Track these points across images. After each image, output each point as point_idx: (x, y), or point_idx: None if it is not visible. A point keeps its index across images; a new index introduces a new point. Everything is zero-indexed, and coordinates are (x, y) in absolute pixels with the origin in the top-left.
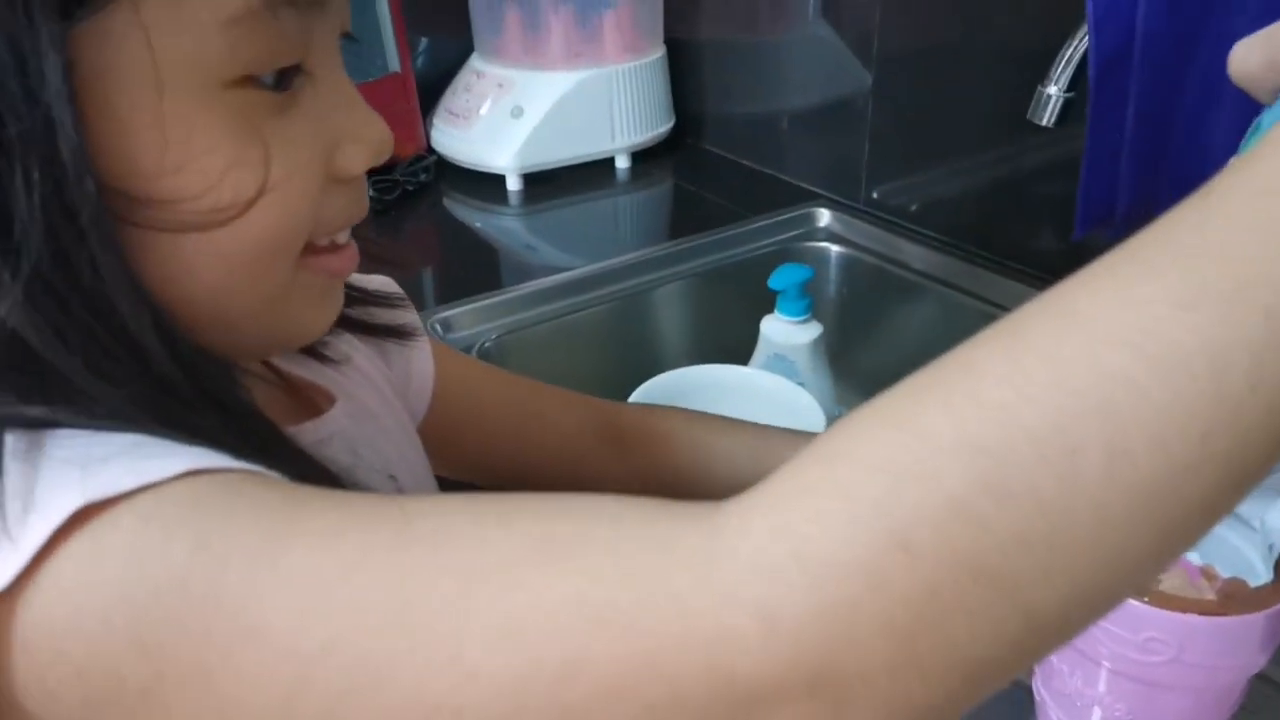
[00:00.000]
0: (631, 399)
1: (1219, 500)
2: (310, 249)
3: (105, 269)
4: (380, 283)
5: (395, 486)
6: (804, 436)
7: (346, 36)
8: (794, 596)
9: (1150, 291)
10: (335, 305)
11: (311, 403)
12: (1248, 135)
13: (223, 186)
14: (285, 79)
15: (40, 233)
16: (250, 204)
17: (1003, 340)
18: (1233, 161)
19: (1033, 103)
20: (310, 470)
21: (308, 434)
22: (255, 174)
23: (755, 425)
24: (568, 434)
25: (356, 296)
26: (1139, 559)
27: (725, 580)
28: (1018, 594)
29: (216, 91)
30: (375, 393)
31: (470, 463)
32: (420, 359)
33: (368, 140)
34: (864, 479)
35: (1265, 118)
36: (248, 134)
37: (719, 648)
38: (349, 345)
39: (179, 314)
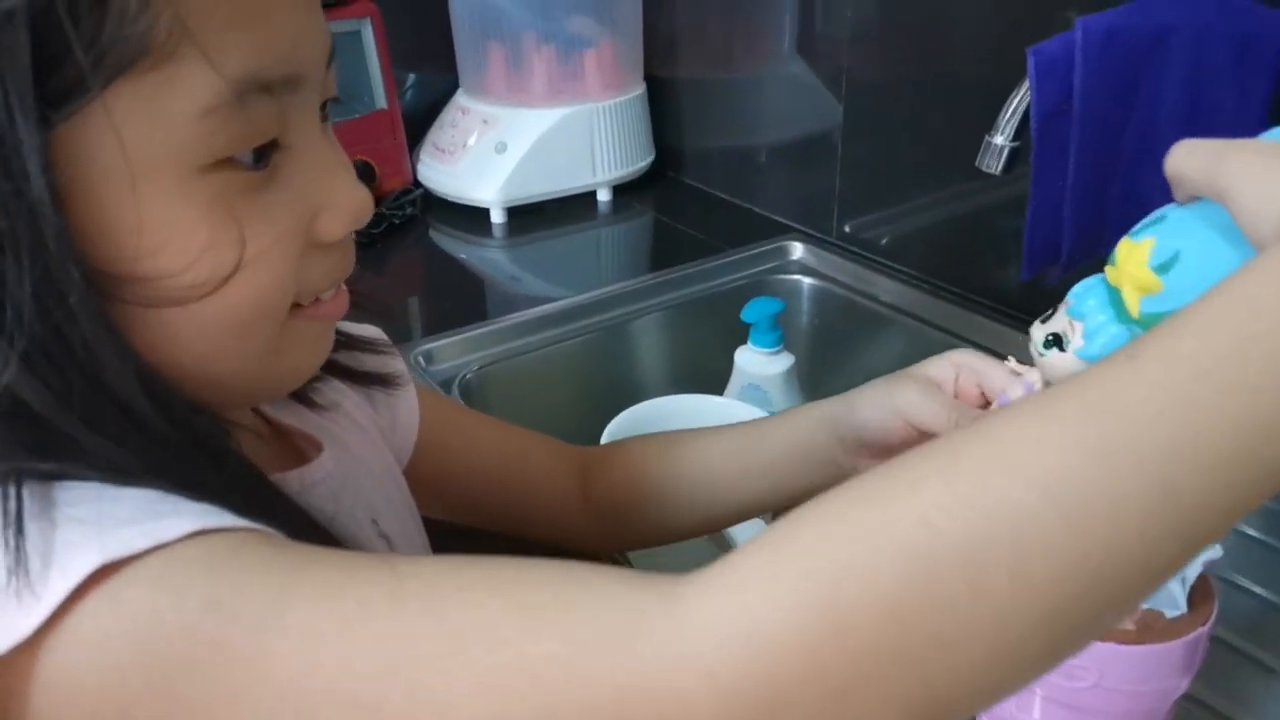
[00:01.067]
0: (609, 428)
1: (1103, 620)
2: (298, 306)
3: (94, 342)
4: (369, 331)
5: (378, 530)
6: (760, 423)
7: (333, 100)
8: (740, 666)
9: (1069, 440)
10: (326, 346)
11: (298, 450)
12: (1149, 222)
13: (199, 265)
14: (263, 156)
15: (33, 311)
16: (227, 279)
17: (940, 461)
18: (1164, 325)
19: (981, 151)
20: (295, 518)
21: (293, 481)
22: (231, 252)
23: (711, 430)
24: (546, 476)
25: (344, 342)
26: (1031, 661)
27: (682, 647)
28: (927, 681)
29: (193, 176)
30: (362, 437)
31: (453, 504)
32: (406, 406)
33: (345, 207)
34: (811, 570)
35: (1171, 212)
36: (223, 215)
37: (671, 704)
38: (337, 392)
39: (169, 376)
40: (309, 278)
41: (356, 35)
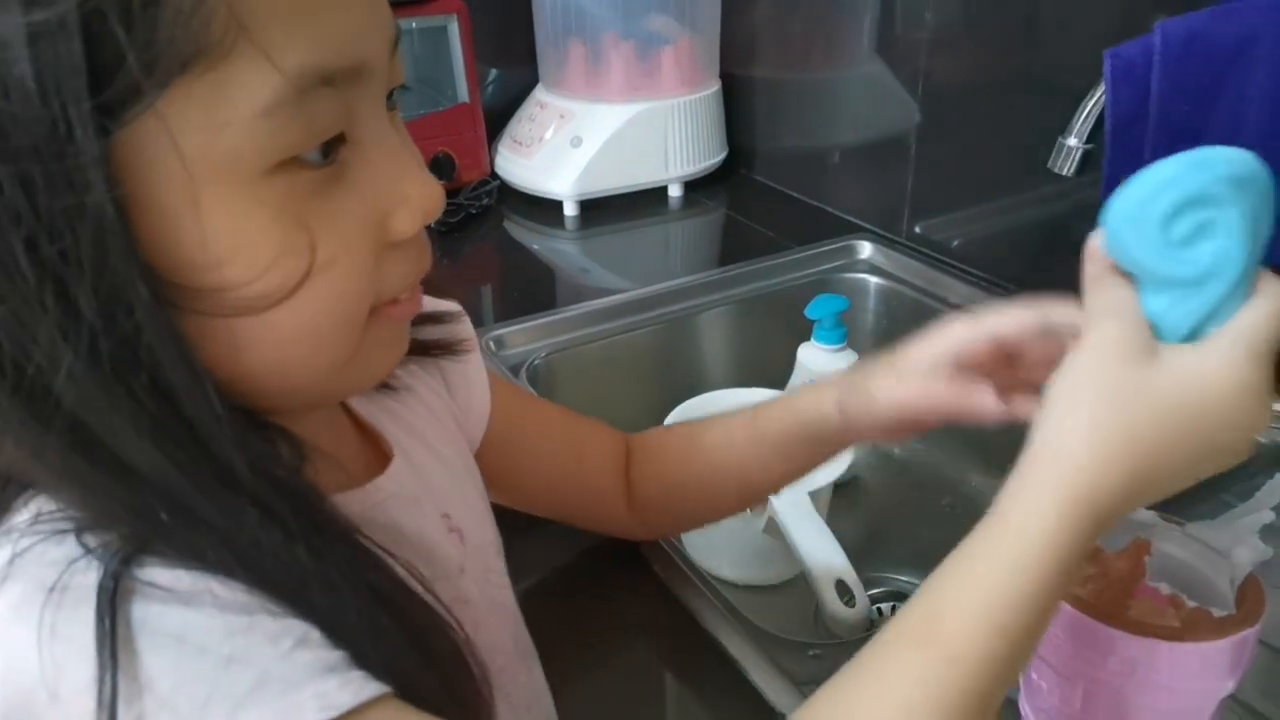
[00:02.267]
0: (668, 419)
1: None
2: (376, 307)
3: (164, 358)
4: (439, 305)
5: (449, 525)
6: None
7: (402, 88)
8: None
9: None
10: (403, 346)
11: (375, 445)
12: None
13: (270, 274)
14: (330, 150)
15: (100, 328)
16: (298, 287)
17: (873, 668)
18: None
19: (1054, 152)
20: (363, 562)
21: (370, 494)
22: (301, 259)
23: (737, 412)
24: (600, 467)
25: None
26: None
27: None
28: None
29: (258, 180)
30: (436, 423)
31: (509, 490)
32: (479, 393)
33: (417, 202)
34: None
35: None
36: (292, 220)
37: None
38: (411, 376)
39: (245, 387)
40: (386, 279)
41: (443, 30)
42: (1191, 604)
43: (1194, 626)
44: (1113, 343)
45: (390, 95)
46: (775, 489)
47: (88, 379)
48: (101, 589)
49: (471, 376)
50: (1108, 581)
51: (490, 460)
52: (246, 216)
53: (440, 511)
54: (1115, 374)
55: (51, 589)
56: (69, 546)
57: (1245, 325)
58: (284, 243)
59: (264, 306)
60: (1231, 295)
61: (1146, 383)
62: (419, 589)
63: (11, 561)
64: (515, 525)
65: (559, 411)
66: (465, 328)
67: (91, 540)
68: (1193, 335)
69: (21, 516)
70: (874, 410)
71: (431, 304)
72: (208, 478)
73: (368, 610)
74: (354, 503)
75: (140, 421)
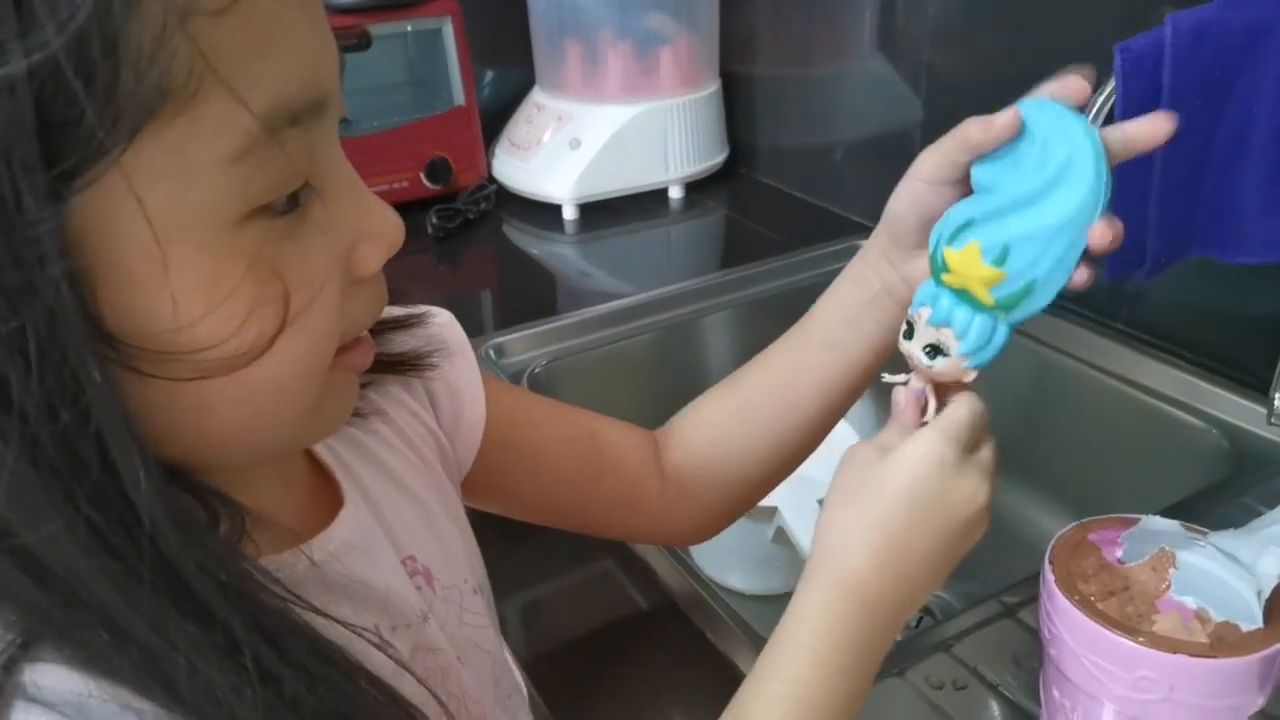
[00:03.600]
0: None
1: None
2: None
3: (113, 448)
4: (401, 309)
5: (413, 568)
6: (802, 325)
7: (344, 121)
8: None
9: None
10: (355, 393)
11: (333, 488)
12: (954, 229)
13: (246, 329)
14: (294, 196)
15: (40, 415)
16: (274, 339)
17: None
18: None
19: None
20: (307, 645)
21: (318, 548)
22: (277, 309)
23: (759, 358)
24: (619, 460)
25: (375, 329)
26: None
27: None
28: None
29: (228, 232)
30: (408, 450)
31: (520, 500)
32: (470, 399)
33: (381, 235)
34: None
35: (962, 212)
36: (266, 269)
37: None
38: (384, 397)
39: (205, 449)
40: (350, 318)
41: (437, 33)
42: (1219, 618)
43: (1222, 642)
44: (850, 455)
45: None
46: (829, 413)
47: (24, 481)
48: None
49: (460, 386)
50: (1132, 595)
51: (493, 469)
52: (220, 271)
53: (402, 554)
54: (851, 476)
55: None
56: None
57: (942, 420)
58: (259, 295)
59: (239, 365)
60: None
61: (872, 476)
62: (382, 687)
63: None
64: (514, 535)
65: (569, 409)
66: (444, 331)
67: None
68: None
69: None
70: (905, 228)
71: (399, 309)
72: (142, 587)
73: None
74: (300, 560)
75: (75, 528)
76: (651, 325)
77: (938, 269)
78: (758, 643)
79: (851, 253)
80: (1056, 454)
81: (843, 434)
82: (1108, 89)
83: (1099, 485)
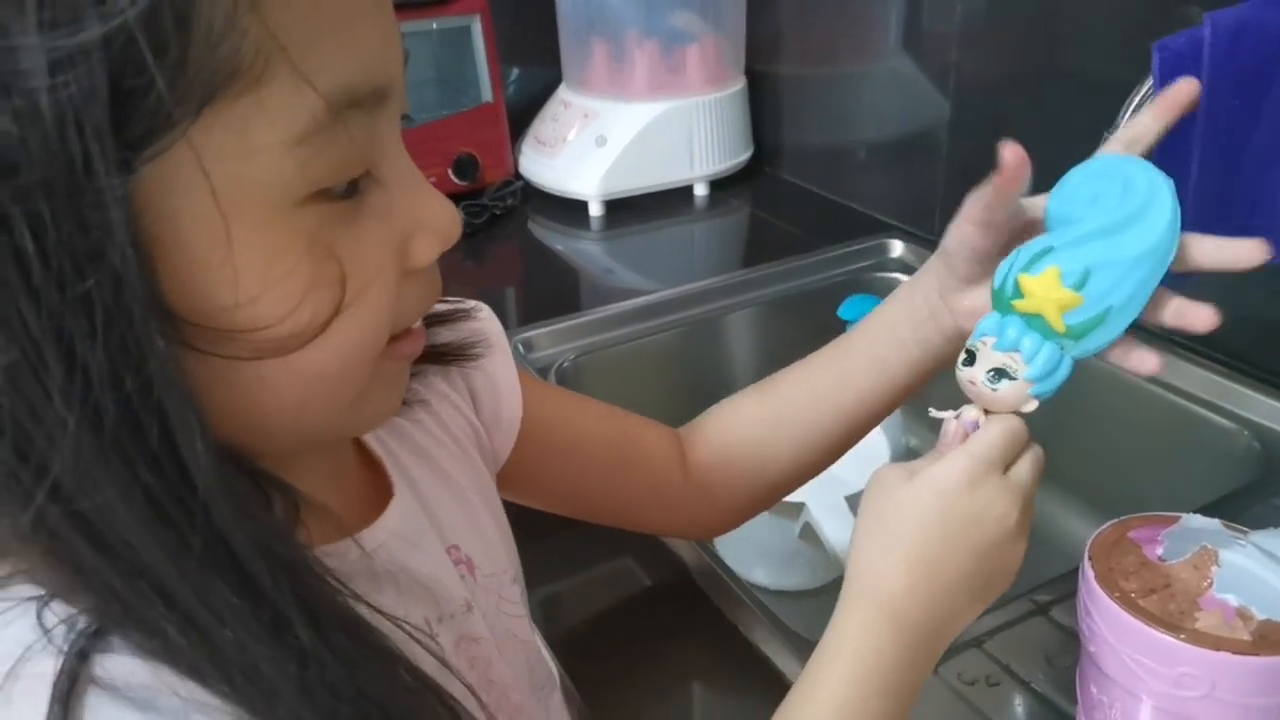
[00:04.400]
0: None
1: None
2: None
3: (172, 417)
4: (448, 303)
5: (456, 557)
6: (843, 338)
7: (405, 118)
8: None
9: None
10: (405, 384)
11: (381, 478)
12: (1033, 257)
13: (302, 310)
14: (354, 182)
15: (104, 382)
16: (329, 322)
17: None
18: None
19: (1100, 148)
20: (357, 633)
21: (369, 540)
22: (333, 292)
23: (795, 365)
24: (647, 458)
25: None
26: None
27: None
28: None
29: (288, 213)
30: (450, 441)
31: (551, 493)
32: (507, 394)
33: (437, 227)
34: None
35: (1044, 243)
36: (323, 252)
37: None
38: (428, 388)
39: (256, 432)
40: (403, 308)
41: (466, 30)
42: (1261, 616)
43: (1264, 640)
44: (877, 477)
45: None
46: (855, 429)
47: (84, 446)
48: (56, 685)
49: (499, 380)
50: (1173, 593)
51: (527, 462)
52: (279, 250)
53: (446, 544)
54: (881, 498)
55: (4, 676)
56: (30, 624)
57: (971, 442)
58: (316, 276)
59: (293, 346)
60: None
61: (901, 498)
62: (420, 677)
63: None
64: (542, 529)
65: (601, 406)
66: (485, 325)
67: (53, 617)
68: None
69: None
70: (957, 269)
71: (445, 304)
72: (193, 558)
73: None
74: (351, 550)
75: (131, 495)
76: (676, 322)
77: (1006, 298)
78: (789, 637)
79: (876, 252)
80: (1086, 454)
81: (872, 435)
82: (1144, 88)
83: (1128, 486)
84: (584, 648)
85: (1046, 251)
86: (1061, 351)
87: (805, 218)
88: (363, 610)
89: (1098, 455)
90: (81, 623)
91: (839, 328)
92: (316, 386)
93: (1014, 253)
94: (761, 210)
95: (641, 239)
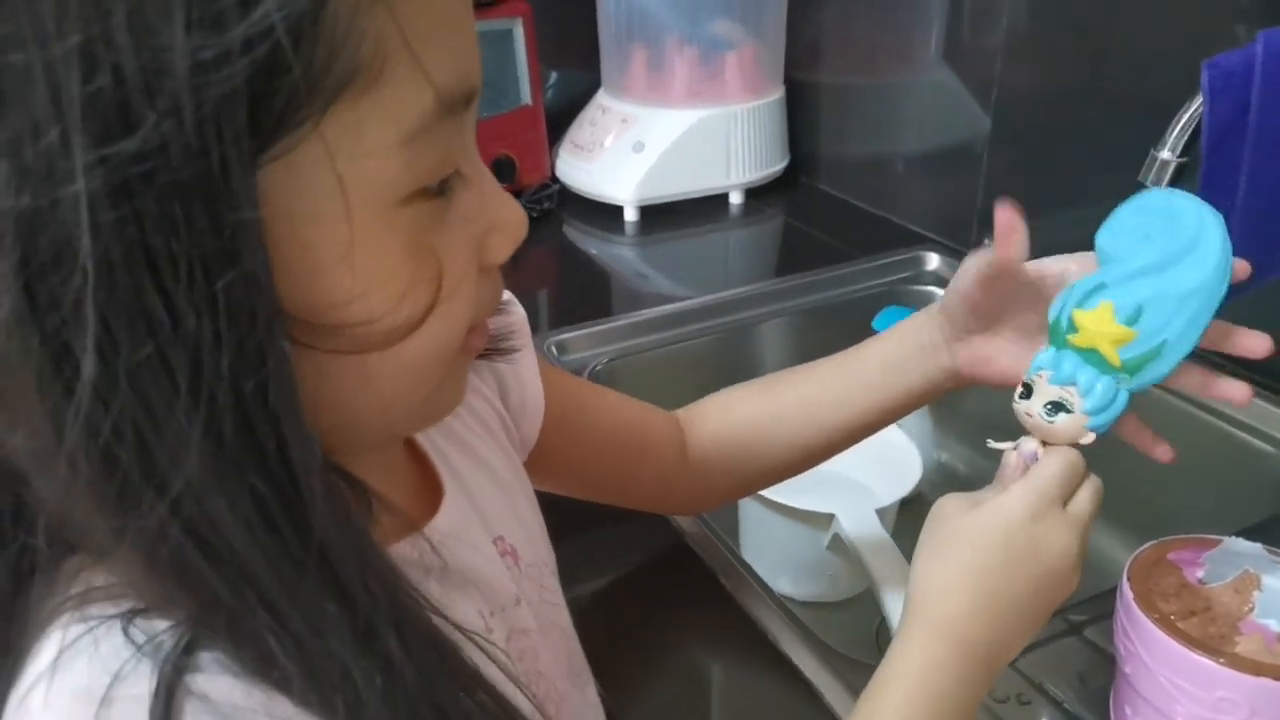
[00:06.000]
0: None
1: None
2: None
3: (285, 426)
4: None
5: (502, 548)
6: (854, 348)
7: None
8: None
9: None
10: (467, 376)
11: (431, 477)
12: (1085, 292)
13: (402, 306)
14: (445, 182)
15: (227, 384)
16: (426, 316)
17: None
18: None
19: (1145, 166)
20: (423, 634)
21: (426, 540)
22: (430, 288)
23: (802, 366)
24: (653, 442)
25: None
26: None
27: None
28: None
29: (394, 210)
30: (485, 433)
31: (563, 477)
32: (532, 387)
33: (510, 228)
34: None
35: (1095, 280)
36: (423, 250)
37: None
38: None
39: (344, 428)
40: (480, 304)
41: (508, 34)
42: None
43: None
44: (940, 507)
45: None
46: (850, 435)
47: (202, 452)
48: (152, 710)
49: (523, 368)
50: (1213, 616)
51: (549, 447)
52: (387, 247)
53: (493, 535)
54: (945, 526)
55: (100, 703)
56: (118, 644)
57: (1032, 475)
58: (417, 273)
59: (395, 340)
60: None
61: (965, 527)
62: (491, 692)
63: (60, 656)
64: (570, 531)
65: (612, 395)
66: (514, 318)
67: (140, 633)
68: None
69: (75, 588)
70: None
71: None
72: (293, 564)
73: None
74: (411, 549)
75: (240, 500)
76: (709, 329)
77: (1061, 333)
78: (816, 645)
79: (912, 264)
80: (1122, 475)
81: (896, 438)
82: (1194, 105)
83: (1165, 508)
84: (607, 650)
85: (1099, 287)
86: (1117, 385)
87: (841, 228)
88: (437, 620)
89: (1134, 475)
90: (169, 640)
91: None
92: (411, 379)
93: (1069, 287)
94: (796, 219)
95: (676, 245)
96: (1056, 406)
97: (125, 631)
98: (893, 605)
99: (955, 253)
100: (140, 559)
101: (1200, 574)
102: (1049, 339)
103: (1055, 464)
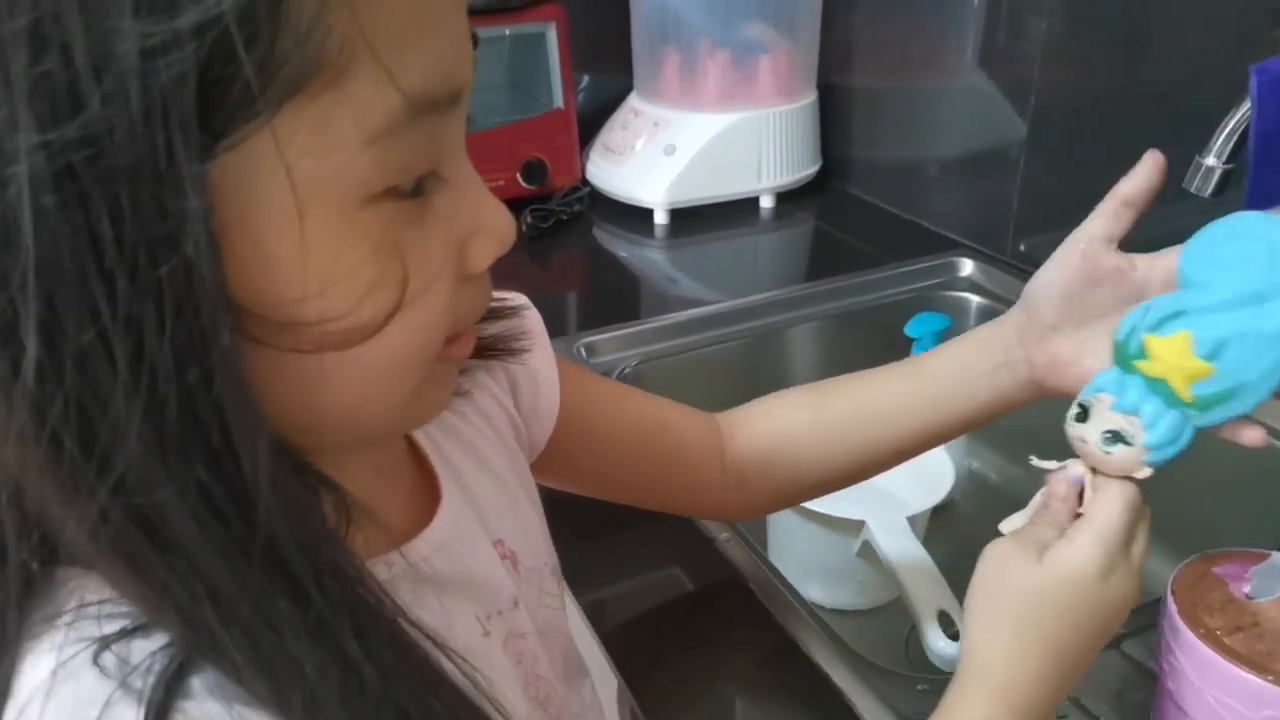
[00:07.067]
0: None
1: None
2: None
3: (230, 410)
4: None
5: (502, 552)
6: (918, 356)
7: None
8: None
9: None
10: (454, 384)
11: (432, 478)
12: (1164, 316)
13: (363, 306)
14: (421, 183)
15: (169, 371)
16: (389, 319)
17: None
18: None
19: (1190, 172)
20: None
21: (420, 548)
22: (394, 290)
23: (860, 372)
24: (683, 445)
25: None
26: None
27: None
28: None
29: (358, 208)
30: (492, 434)
31: (587, 479)
32: (546, 386)
33: (495, 233)
34: None
35: (1175, 303)
36: (388, 250)
37: None
38: (471, 380)
39: (311, 428)
40: (461, 310)
41: (541, 36)
42: None
43: None
44: (998, 557)
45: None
46: (908, 448)
47: (146, 439)
48: None
49: (538, 371)
50: (1261, 632)
51: (562, 447)
52: (347, 246)
53: (493, 538)
54: (1006, 579)
55: None
56: (110, 668)
57: (1098, 521)
58: (380, 274)
59: (354, 341)
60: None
61: (1030, 582)
62: (459, 698)
63: (54, 673)
64: (596, 533)
65: (640, 395)
66: (528, 320)
67: (135, 653)
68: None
69: (69, 603)
70: (1043, 311)
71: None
72: (243, 558)
73: None
74: (400, 560)
75: (188, 491)
76: (738, 333)
77: (1129, 355)
78: (845, 653)
79: (945, 270)
80: (1162, 488)
81: (936, 455)
82: (1241, 110)
83: (1204, 521)
84: (634, 652)
85: (1178, 315)
86: (1185, 420)
87: (873, 233)
88: (409, 623)
89: (1174, 488)
90: (156, 664)
91: (905, 345)
92: (375, 382)
93: (1142, 306)
94: (828, 224)
95: (706, 249)
96: (1115, 436)
97: (96, 658)
98: (927, 619)
99: (989, 259)
100: (91, 549)
101: (1247, 589)
102: (1114, 357)
103: (1118, 506)
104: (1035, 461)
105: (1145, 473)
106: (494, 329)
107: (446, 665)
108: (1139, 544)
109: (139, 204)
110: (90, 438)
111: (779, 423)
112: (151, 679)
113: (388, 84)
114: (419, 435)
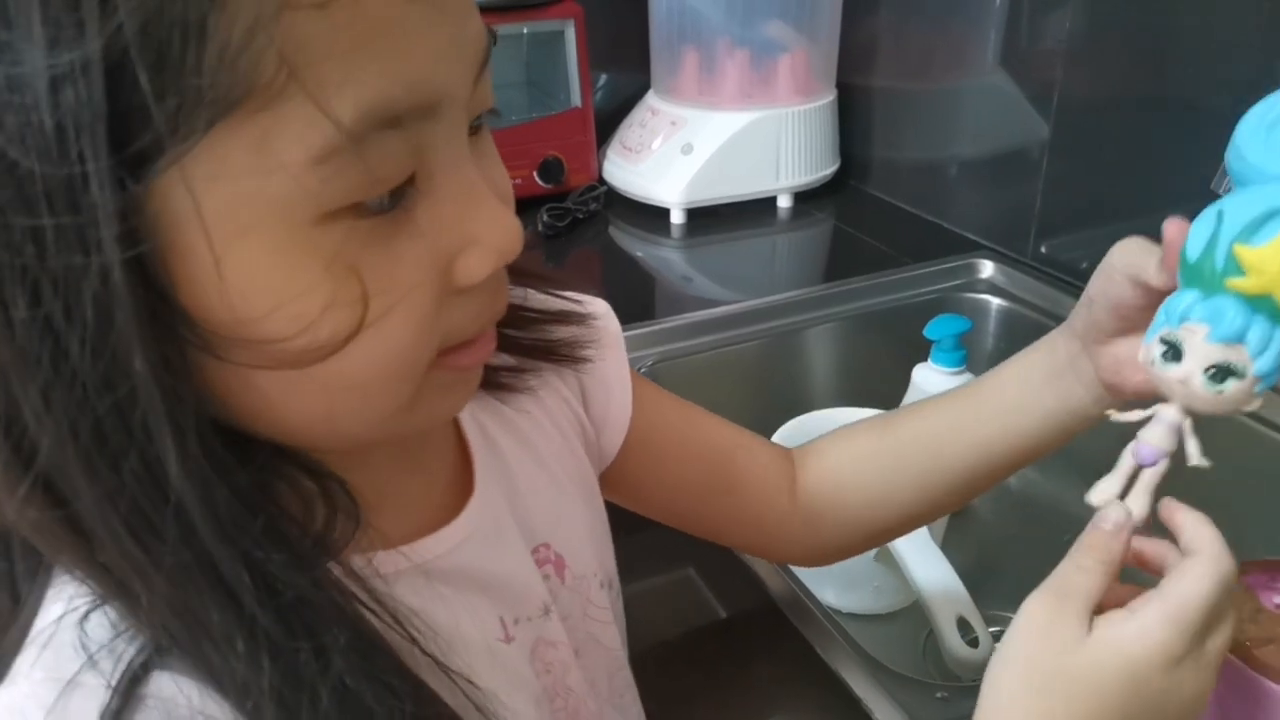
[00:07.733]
0: (775, 437)
1: None
2: (441, 351)
3: (156, 436)
4: (568, 300)
5: (542, 556)
6: (978, 380)
7: (490, 113)
8: None
9: None
10: (469, 389)
11: (468, 471)
12: (1251, 224)
13: (318, 328)
14: (396, 193)
15: (97, 394)
16: (347, 340)
17: None
18: None
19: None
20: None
21: (444, 541)
22: (353, 311)
23: (925, 400)
24: (749, 478)
25: (535, 318)
26: None
27: None
28: None
29: (308, 229)
30: (556, 436)
31: (652, 503)
32: (618, 395)
33: (491, 242)
34: None
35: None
36: (345, 270)
37: None
38: (539, 379)
39: (289, 435)
40: (452, 325)
41: (559, 35)
42: None
43: None
44: (1048, 621)
45: (476, 118)
46: (977, 481)
47: (68, 450)
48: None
49: (611, 379)
50: None
51: (630, 464)
52: (295, 267)
53: (536, 542)
54: (1052, 654)
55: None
56: (78, 653)
57: (1173, 598)
58: (334, 295)
59: (310, 360)
60: None
61: (1079, 660)
62: (434, 701)
63: (60, 620)
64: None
65: (712, 419)
66: (601, 328)
67: (105, 641)
68: None
69: (56, 606)
70: (1098, 313)
71: (563, 302)
72: (173, 564)
73: None
74: (421, 551)
75: (116, 499)
76: (755, 334)
77: (1215, 274)
78: (864, 659)
79: (965, 271)
80: (1187, 493)
81: None
82: None
83: (1230, 529)
84: (653, 659)
85: (1273, 215)
86: None
87: (892, 233)
88: (392, 623)
89: (1200, 495)
90: (130, 651)
91: (924, 347)
92: (343, 398)
93: (1207, 216)
94: (846, 224)
95: (722, 249)
96: (1223, 371)
97: (84, 644)
98: (945, 624)
99: (1011, 260)
100: (60, 551)
101: (1277, 599)
102: (1185, 279)
103: (1207, 585)
104: (1114, 415)
105: (1256, 404)
106: (561, 333)
107: (439, 672)
108: (1220, 635)
109: (59, 232)
110: (18, 442)
111: (849, 453)
112: (121, 668)
113: (332, 102)
114: (470, 426)
